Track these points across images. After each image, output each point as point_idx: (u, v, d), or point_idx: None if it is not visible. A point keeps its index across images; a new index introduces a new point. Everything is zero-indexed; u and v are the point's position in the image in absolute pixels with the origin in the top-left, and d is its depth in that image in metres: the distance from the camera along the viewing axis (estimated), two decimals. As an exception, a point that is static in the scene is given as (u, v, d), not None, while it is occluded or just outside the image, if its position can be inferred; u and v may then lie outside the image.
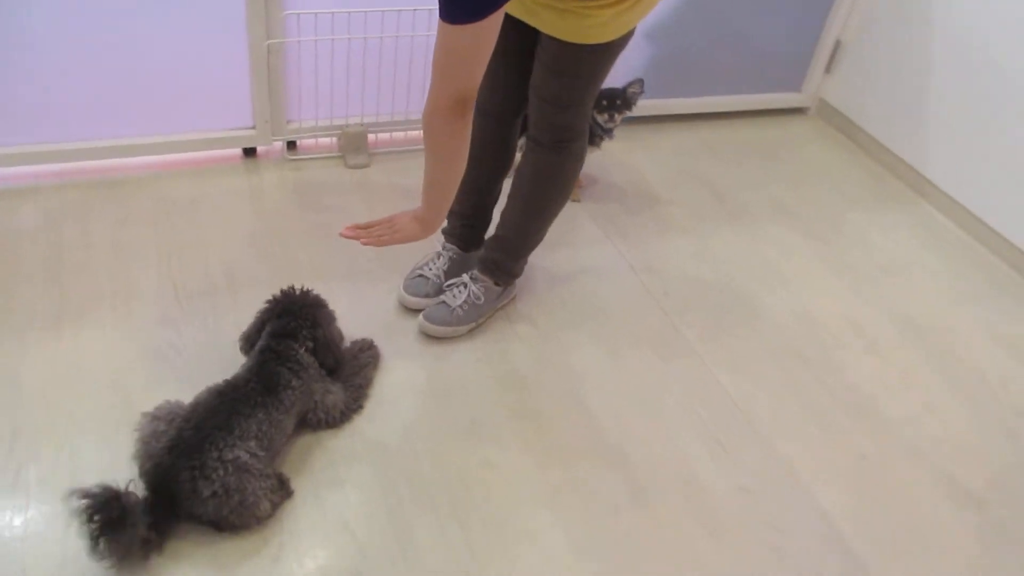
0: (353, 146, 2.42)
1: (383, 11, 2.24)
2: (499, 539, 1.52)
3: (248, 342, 1.67)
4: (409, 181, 2.40)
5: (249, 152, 2.39)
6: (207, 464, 1.40)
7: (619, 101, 2.28)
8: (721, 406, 1.86)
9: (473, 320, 1.92)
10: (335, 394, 1.65)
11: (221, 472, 1.40)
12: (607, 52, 1.64)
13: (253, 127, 2.34)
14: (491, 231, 1.99)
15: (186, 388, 1.60)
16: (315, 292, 1.70)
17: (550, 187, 1.83)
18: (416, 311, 1.95)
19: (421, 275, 1.98)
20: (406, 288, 1.97)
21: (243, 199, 2.24)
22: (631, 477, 1.67)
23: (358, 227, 1.65)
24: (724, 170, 2.67)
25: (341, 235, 1.64)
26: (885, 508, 1.69)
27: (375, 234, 1.64)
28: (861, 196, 2.67)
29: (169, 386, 1.67)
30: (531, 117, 1.78)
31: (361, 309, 1.94)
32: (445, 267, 1.99)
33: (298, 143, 2.41)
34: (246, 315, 1.73)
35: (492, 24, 1.35)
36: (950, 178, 2.60)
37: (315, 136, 2.42)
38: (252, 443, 1.46)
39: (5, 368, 1.68)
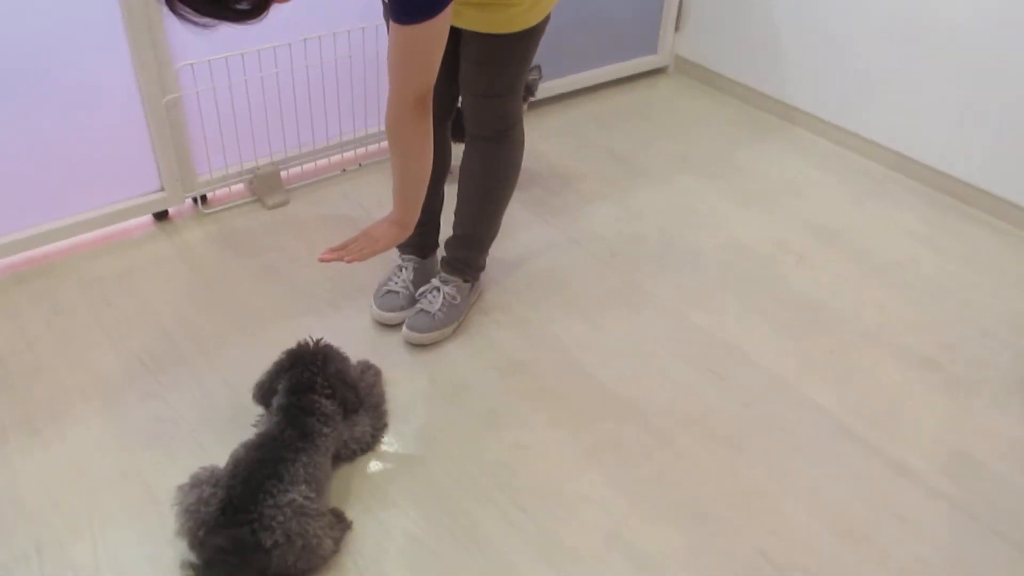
0: (268, 186, 2.38)
1: (275, 47, 2.22)
2: (558, 509, 1.58)
3: (262, 392, 1.63)
4: (330, 209, 2.39)
5: (160, 216, 2.29)
6: (264, 514, 1.37)
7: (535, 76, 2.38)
8: (701, 340, 2.00)
9: (455, 320, 1.96)
10: (361, 424, 1.65)
11: (280, 519, 1.37)
12: (532, 36, 1.73)
13: (162, 189, 2.26)
14: (445, 233, 2.04)
15: (200, 454, 1.55)
16: (324, 341, 1.68)
17: (500, 177, 1.90)
18: (394, 326, 1.97)
19: (390, 290, 1.99)
20: (380, 306, 1.98)
21: (173, 262, 2.16)
22: (649, 424, 1.77)
23: (334, 250, 1.65)
24: (615, 136, 2.83)
25: (320, 260, 1.63)
26: (864, 388, 1.89)
27: (355, 250, 1.64)
28: (739, 134, 2.91)
29: (182, 457, 1.61)
30: (466, 114, 1.84)
31: (339, 336, 1.89)
32: (411, 277, 2.02)
33: (209, 195, 2.35)
34: (229, 371, 1.71)
35: (444, 19, 1.41)
36: (810, 100, 2.88)
37: (227, 184, 2.36)
38: (303, 487, 1.44)
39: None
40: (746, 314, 2.09)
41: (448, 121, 1.93)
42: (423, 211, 2.01)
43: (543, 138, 2.78)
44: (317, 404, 1.56)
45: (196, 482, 1.45)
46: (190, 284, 2.09)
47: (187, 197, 2.30)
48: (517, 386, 1.85)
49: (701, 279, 2.20)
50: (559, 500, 1.60)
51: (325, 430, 1.54)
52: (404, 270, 2.02)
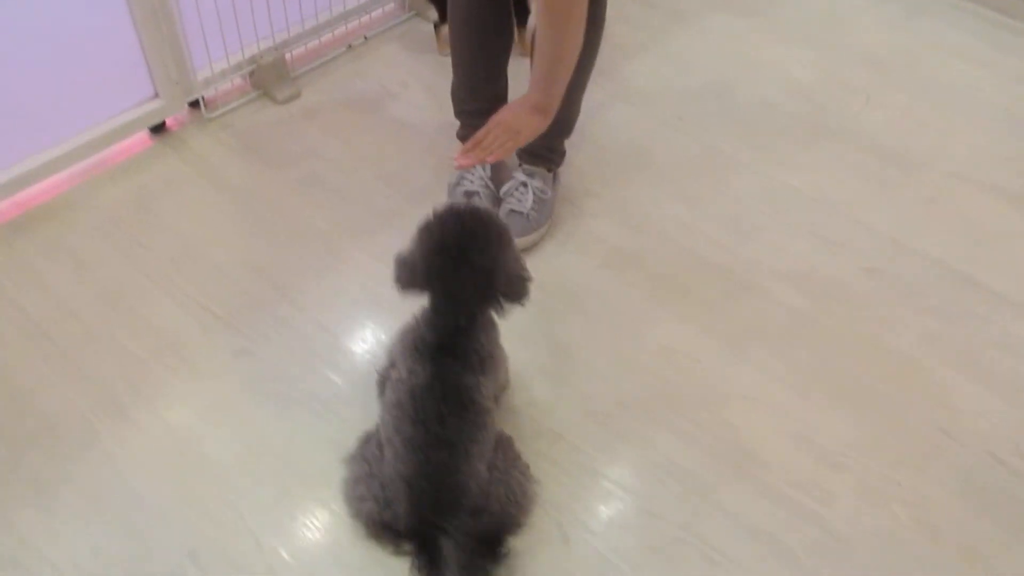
0: (274, 76, 2.03)
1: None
2: (730, 414, 1.49)
3: (413, 273, 1.24)
4: (350, 95, 2.08)
5: (157, 129, 1.93)
6: (477, 472, 1.23)
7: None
8: (802, 204, 1.88)
9: (548, 216, 1.77)
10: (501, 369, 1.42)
11: (493, 474, 1.26)
12: None
13: (156, 95, 1.88)
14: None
15: (326, 415, 1.39)
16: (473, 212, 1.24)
17: (588, 52, 1.64)
18: (478, 231, 1.76)
19: (467, 191, 1.76)
20: (461, 209, 1.75)
21: (195, 181, 1.84)
22: (781, 303, 1.68)
23: (469, 150, 1.43)
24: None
25: (459, 166, 1.43)
26: (968, 229, 1.84)
27: (496, 147, 1.42)
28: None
29: (308, 422, 1.43)
30: None
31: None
32: (490, 173, 1.79)
33: (206, 96, 1.98)
34: (318, 309, 1.57)
35: None
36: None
37: (228, 80, 1.99)
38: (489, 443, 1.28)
39: (104, 484, 1.34)
40: (836, 170, 1.97)
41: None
42: (494, 96, 1.77)
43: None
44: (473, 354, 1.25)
45: (362, 474, 1.28)
46: (226, 207, 1.79)
47: (186, 102, 1.93)
48: (635, 281, 1.70)
49: (778, 134, 2.05)
50: (727, 405, 1.51)
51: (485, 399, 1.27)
52: (481, 167, 1.79)
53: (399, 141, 1.97)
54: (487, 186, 1.77)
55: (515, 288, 1.24)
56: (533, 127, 1.44)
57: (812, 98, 2.16)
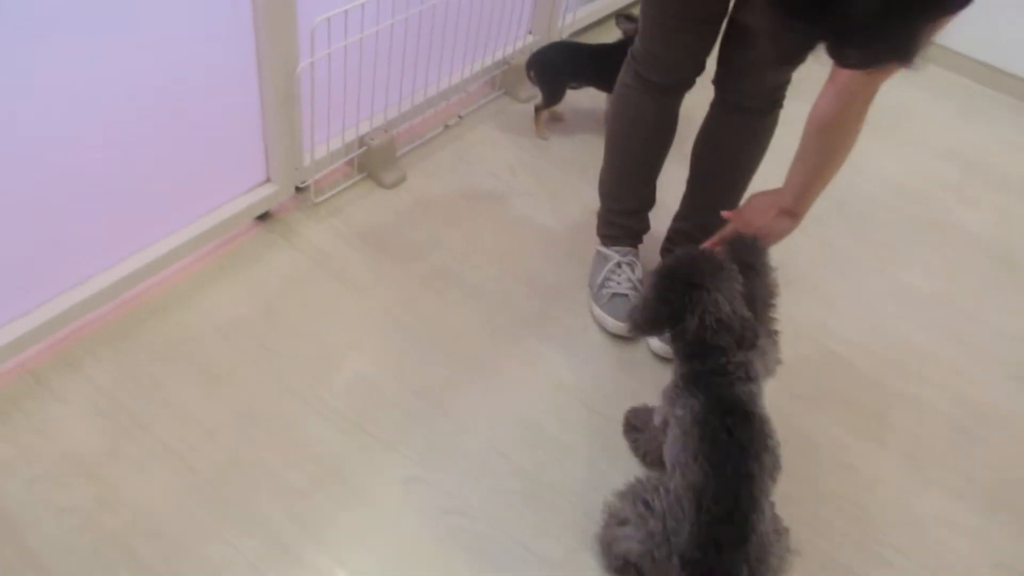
0: (382, 159, 1.89)
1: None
2: (927, 539, 1.44)
3: (653, 318, 1.29)
4: (457, 181, 1.96)
5: (262, 215, 1.76)
6: (764, 507, 1.16)
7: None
8: (929, 304, 1.88)
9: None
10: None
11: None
12: None
13: (267, 180, 1.72)
14: (658, 216, 1.73)
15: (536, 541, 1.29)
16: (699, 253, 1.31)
17: (760, 153, 1.60)
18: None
19: (616, 293, 1.67)
20: (612, 313, 1.66)
21: (315, 277, 1.67)
22: (942, 416, 1.65)
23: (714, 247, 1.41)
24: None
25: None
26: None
27: None
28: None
29: (507, 548, 1.30)
30: (739, 83, 1.51)
31: (572, 352, 1.61)
32: (639, 276, 1.70)
33: (313, 180, 1.82)
34: (481, 426, 1.46)
35: None
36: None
37: (335, 163, 1.84)
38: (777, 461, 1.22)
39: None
40: (951, 269, 1.98)
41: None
42: (650, 194, 1.70)
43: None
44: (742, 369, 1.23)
45: (630, 516, 1.21)
46: (356, 306, 1.63)
47: (301, 186, 1.77)
48: (802, 391, 1.64)
49: (886, 232, 2.05)
50: (920, 528, 1.46)
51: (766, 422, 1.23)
52: (628, 267, 1.70)
53: (522, 234, 1.86)
54: (635, 288, 1.69)
55: (747, 329, 1.24)
56: (782, 231, 1.39)
57: (905, 194, 2.18)
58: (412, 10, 1.74)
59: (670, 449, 1.23)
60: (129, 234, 1.52)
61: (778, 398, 1.62)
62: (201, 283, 1.62)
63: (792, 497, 1.45)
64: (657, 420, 1.33)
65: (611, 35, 2.54)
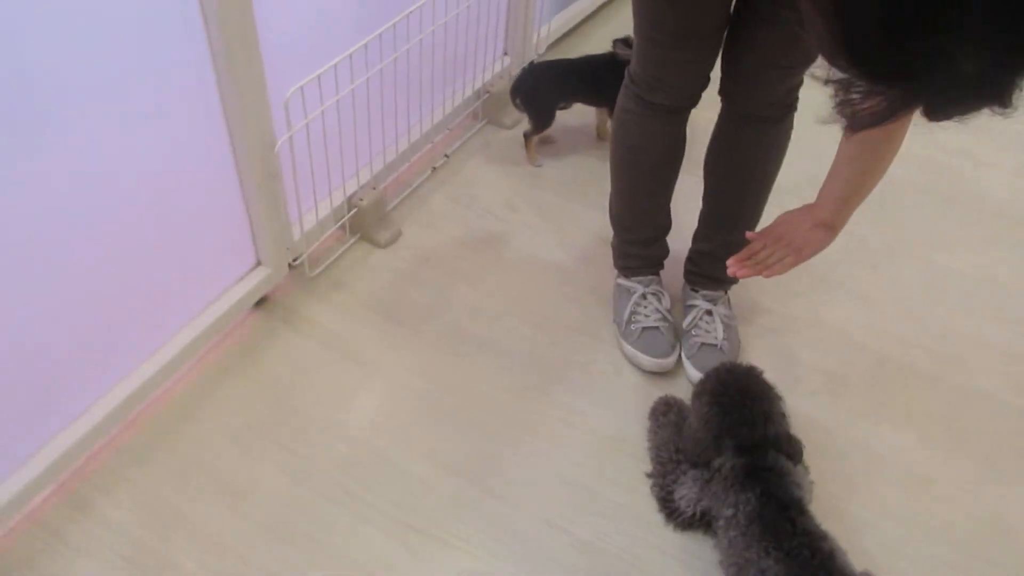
0: (374, 218, 1.77)
1: (380, 33, 1.56)
2: (1008, 514, 1.36)
3: (702, 448, 1.29)
4: (455, 229, 1.85)
5: (258, 302, 1.64)
6: None
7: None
8: (973, 289, 1.79)
9: (738, 343, 1.60)
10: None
11: None
12: None
13: (258, 263, 1.60)
14: (677, 238, 1.62)
15: None
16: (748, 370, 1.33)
17: (778, 161, 1.49)
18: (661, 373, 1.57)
19: (647, 328, 1.57)
20: (648, 352, 1.55)
21: (324, 359, 1.56)
22: (1001, 397, 1.57)
23: (743, 262, 1.34)
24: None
25: (733, 274, 1.35)
26: None
27: (774, 260, 1.31)
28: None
29: None
30: (749, 92, 1.40)
31: (604, 401, 1.51)
32: (667, 306, 1.60)
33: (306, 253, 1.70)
34: (530, 501, 1.33)
35: None
36: None
37: (326, 231, 1.72)
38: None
39: None
40: (983, 242, 1.89)
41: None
42: (667, 219, 1.59)
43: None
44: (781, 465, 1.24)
45: None
46: (373, 387, 1.52)
47: (288, 264, 1.66)
48: (852, 405, 1.55)
49: (909, 214, 1.96)
50: (1018, 540, 1.37)
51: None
52: (655, 297, 1.60)
53: (532, 275, 1.75)
54: (665, 319, 1.59)
55: (795, 447, 1.28)
56: (818, 244, 1.29)
57: (924, 168, 2.08)
58: (386, 60, 1.62)
59: (731, 551, 1.19)
60: (120, 352, 1.40)
61: (830, 410, 1.53)
62: (206, 388, 1.51)
63: (867, 521, 1.36)
64: (689, 506, 1.31)
65: (586, 43, 2.45)
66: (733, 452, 1.23)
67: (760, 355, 1.61)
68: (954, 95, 0.61)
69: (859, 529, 1.36)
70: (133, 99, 1.20)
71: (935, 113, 0.64)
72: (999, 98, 0.61)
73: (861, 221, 1.88)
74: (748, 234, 1.39)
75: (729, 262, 1.35)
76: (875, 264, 1.83)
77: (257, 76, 1.35)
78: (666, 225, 1.60)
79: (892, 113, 0.64)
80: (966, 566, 1.32)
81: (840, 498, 1.40)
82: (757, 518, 1.17)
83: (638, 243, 1.60)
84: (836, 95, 0.68)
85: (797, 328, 1.68)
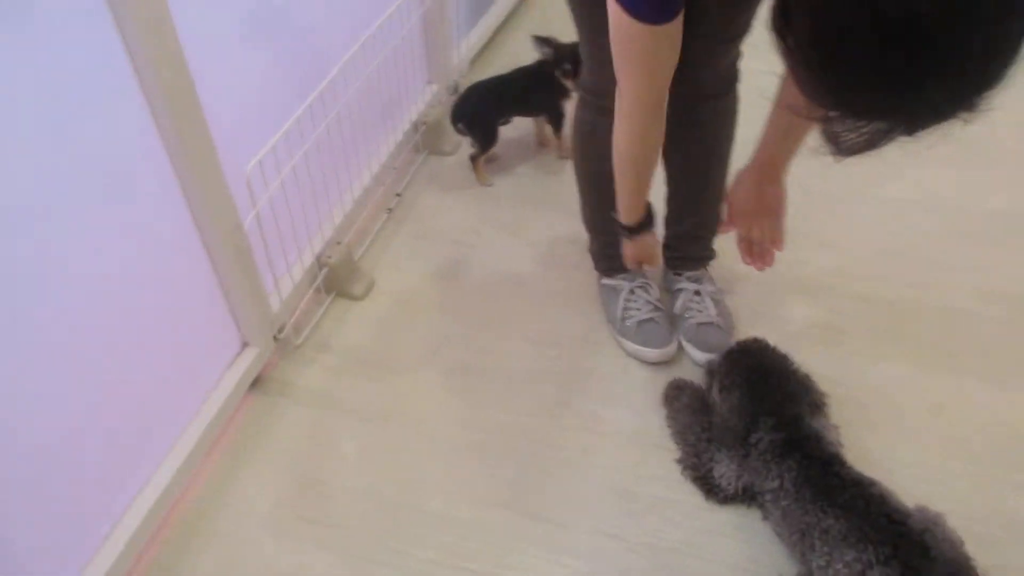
0: (347, 272, 1.75)
1: (331, 80, 1.54)
2: None
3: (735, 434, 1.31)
4: (429, 260, 1.84)
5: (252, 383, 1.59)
6: None
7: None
8: (953, 211, 1.87)
9: (730, 316, 1.63)
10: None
11: None
12: None
13: (245, 345, 1.56)
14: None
15: None
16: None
17: (733, 131, 1.52)
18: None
19: (643, 320, 1.59)
20: (649, 343, 1.58)
21: (334, 428, 1.53)
22: (986, 314, 1.64)
23: (751, 254, 1.46)
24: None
25: (759, 268, 1.48)
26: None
27: (768, 235, 1.44)
28: None
29: None
30: (699, 75, 1.41)
31: (628, 402, 1.53)
32: (657, 295, 1.63)
33: (287, 324, 1.66)
34: (578, 522, 1.37)
35: None
36: None
37: (303, 294, 1.69)
38: None
39: None
40: (926, 168, 1.97)
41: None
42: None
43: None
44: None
45: None
46: (390, 444, 1.49)
47: (272, 338, 1.62)
48: (853, 347, 1.60)
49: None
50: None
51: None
52: (642, 290, 1.62)
53: (515, 293, 1.76)
54: (658, 309, 1.61)
55: (820, 400, 1.33)
56: (778, 200, 1.37)
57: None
58: (329, 116, 1.60)
59: (788, 521, 1.21)
60: (128, 469, 1.34)
61: (832, 360, 1.58)
62: (223, 483, 1.46)
63: (891, 456, 1.41)
64: (731, 483, 1.34)
65: (506, 51, 2.47)
66: (770, 429, 1.25)
67: (753, 322, 1.65)
68: (929, 123, 0.73)
69: (885, 464, 1.40)
70: (94, 207, 1.16)
71: (915, 134, 0.72)
72: (968, 112, 0.71)
73: (810, 174, 1.95)
74: (721, 228, 1.43)
75: (745, 260, 1.45)
76: (832, 211, 1.89)
77: (212, 160, 1.32)
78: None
79: (874, 143, 0.75)
80: (988, 475, 1.38)
81: (863, 439, 1.44)
82: (805, 482, 1.20)
83: (616, 243, 1.62)
84: (822, 128, 0.77)
85: (778, 288, 1.72)
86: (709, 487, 1.37)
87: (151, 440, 1.38)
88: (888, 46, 0.68)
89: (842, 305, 1.69)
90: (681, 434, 1.44)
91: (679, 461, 1.42)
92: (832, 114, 0.77)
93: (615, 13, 1.10)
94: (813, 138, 0.83)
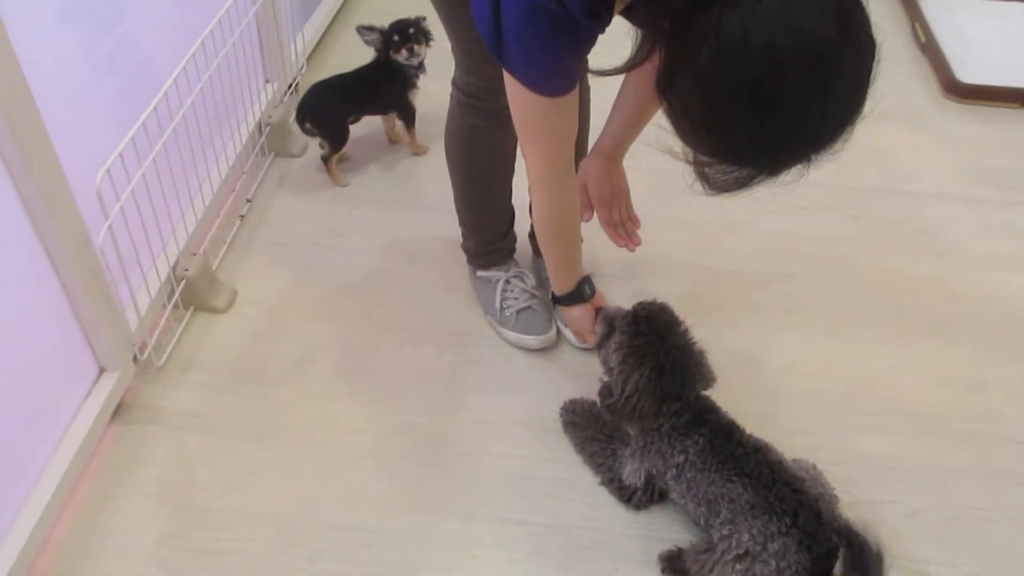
0: (206, 283, 1.64)
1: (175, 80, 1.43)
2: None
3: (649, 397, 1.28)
4: (290, 266, 1.77)
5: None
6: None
7: (412, 30, 1.89)
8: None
9: (602, 294, 1.68)
10: None
11: None
12: None
13: (102, 370, 1.43)
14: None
15: None
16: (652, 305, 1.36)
17: (588, 115, 1.56)
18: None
19: (521, 309, 1.61)
20: (529, 330, 1.60)
21: (211, 451, 1.43)
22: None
23: (619, 233, 1.50)
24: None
25: (629, 248, 1.53)
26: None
27: (623, 217, 1.51)
28: None
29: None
30: None
31: (518, 391, 1.55)
32: (533, 283, 1.65)
33: (146, 343, 1.53)
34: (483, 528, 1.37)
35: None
36: None
37: (163, 312, 1.56)
38: None
39: None
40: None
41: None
42: (509, 218, 1.64)
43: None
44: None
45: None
46: (277, 458, 1.43)
47: (131, 359, 1.48)
48: (708, 321, 1.71)
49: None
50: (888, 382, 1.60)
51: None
52: (518, 279, 1.64)
53: (388, 293, 1.73)
54: (534, 296, 1.64)
55: (706, 372, 1.34)
56: (622, 181, 1.46)
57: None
58: (176, 118, 1.49)
59: (694, 492, 1.25)
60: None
61: (697, 332, 1.67)
62: (93, 528, 1.32)
63: (764, 413, 1.52)
64: (636, 478, 1.34)
65: (342, 44, 2.41)
66: (673, 414, 1.27)
67: (621, 300, 1.72)
68: (790, 169, 0.88)
69: (759, 423, 1.51)
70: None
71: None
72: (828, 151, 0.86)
73: (654, 157, 2.05)
74: (584, 216, 1.48)
75: (617, 243, 1.50)
76: (668, 199, 2.00)
77: (54, 170, 1.19)
78: (513, 211, 1.65)
79: (742, 184, 0.89)
80: (842, 420, 1.53)
81: (730, 401, 1.54)
82: (711, 453, 1.23)
83: (495, 239, 1.63)
84: (696, 169, 0.91)
85: (639, 266, 1.80)
86: (624, 493, 1.38)
87: (4, 487, 1.23)
88: (762, 112, 0.81)
89: (697, 277, 1.79)
90: (590, 456, 1.42)
91: (603, 484, 1.41)
92: (705, 159, 0.89)
93: (514, 88, 1.11)
94: (687, 175, 0.93)
